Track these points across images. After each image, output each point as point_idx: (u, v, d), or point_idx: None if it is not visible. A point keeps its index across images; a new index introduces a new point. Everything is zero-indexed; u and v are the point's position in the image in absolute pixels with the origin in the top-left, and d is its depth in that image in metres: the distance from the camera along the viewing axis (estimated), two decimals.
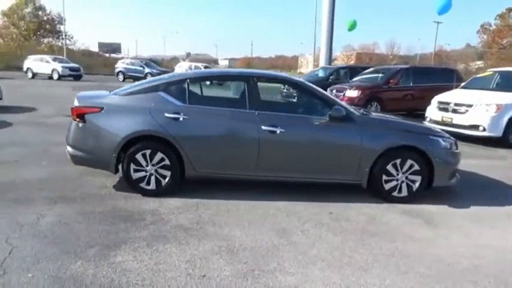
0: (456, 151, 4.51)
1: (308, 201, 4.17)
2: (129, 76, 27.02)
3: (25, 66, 25.11)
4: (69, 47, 60.82)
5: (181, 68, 29.96)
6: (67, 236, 3.13)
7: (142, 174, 4.08)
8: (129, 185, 4.14)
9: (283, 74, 5.05)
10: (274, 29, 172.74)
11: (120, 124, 4.03)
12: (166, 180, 4.11)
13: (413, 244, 3.29)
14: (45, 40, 58.13)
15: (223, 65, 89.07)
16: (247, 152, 4.12)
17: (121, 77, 27.29)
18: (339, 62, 61.96)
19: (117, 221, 3.48)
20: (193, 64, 31.33)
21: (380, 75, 12.64)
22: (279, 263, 2.88)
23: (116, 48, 65.86)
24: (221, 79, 4.57)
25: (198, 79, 4.44)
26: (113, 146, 4.01)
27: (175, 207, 3.87)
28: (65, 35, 58.92)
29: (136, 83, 4.60)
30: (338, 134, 4.18)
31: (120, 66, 27.91)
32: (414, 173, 4.25)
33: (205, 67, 30.14)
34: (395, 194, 4.29)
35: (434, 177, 4.27)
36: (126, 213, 3.67)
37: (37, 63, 24.72)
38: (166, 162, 4.07)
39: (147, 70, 26.41)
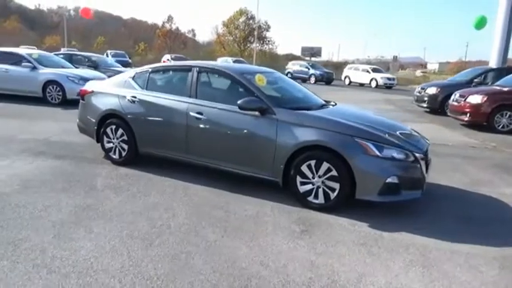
0: (406, 164, 3.66)
1: (233, 192, 4.20)
2: (296, 77, 28.76)
3: None
4: (273, 51, 68.40)
5: (350, 70, 29.82)
6: (16, 177, 4.34)
7: (111, 145, 5.03)
8: (104, 153, 5.16)
9: (230, 64, 5.09)
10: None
11: (99, 103, 5.09)
12: (125, 152, 4.93)
13: (219, 240, 3.09)
14: (252, 46, 66.81)
15: (431, 69, 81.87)
16: (178, 136, 4.50)
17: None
18: None
19: (65, 175, 4.51)
20: (362, 67, 30.46)
21: None
22: (99, 225, 3.29)
23: (316, 51, 69.70)
24: (174, 70, 5.00)
25: (158, 69, 5.04)
26: (94, 120, 5.10)
27: (118, 174, 4.64)
28: (268, 41, 66.62)
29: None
30: (254, 125, 4.05)
31: (290, 67, 29.97)
32: (332, 178, 3.71)
33: (374, 70, 29.01)
34: (310, 199, 3.85)
35: (356, 187, 3.64)
36: (82, 173, 4.66)
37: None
38: (125, 137, 4.89)
39: (311, 71, 27.55)
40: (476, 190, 4.77)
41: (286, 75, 29.47)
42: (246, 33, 64.52)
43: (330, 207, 3.78)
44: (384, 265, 2.86)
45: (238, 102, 4.01)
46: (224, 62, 28.93)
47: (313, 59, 59.46)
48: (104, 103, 5.03)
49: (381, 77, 27.36)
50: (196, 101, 4.41)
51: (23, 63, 9.89)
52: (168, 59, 29.34)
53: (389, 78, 27.67)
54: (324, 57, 68.81)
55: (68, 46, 44.86)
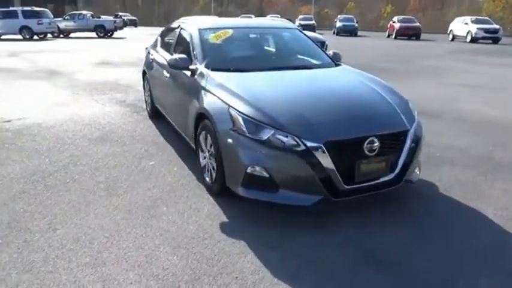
0: (291, 154, 2.53)
1: (184, 157, 4.01)
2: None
3: (449, 28, 25.56)
4: None
5: None
6: (68, 115, 5.54)
7: (144, 98, 5.60)
8: None
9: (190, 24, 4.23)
10: None
11: (145, 61, 5.61)
12: (150, 106, 5.38)
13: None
14: None
15: None
16: (163, 93, 4.55)
17: None
18: None
19: (101, 119, 5.39)
20: None
21: None
22: (26, 160, 3.93)
23: None
24: (172, 29, 4.71)
25: (168, 28, 4.98)
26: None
27: (134, 126, 5.13)
28: None
29: None
30: (186, 86, 3.60)
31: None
32: (213, 155, 2.97)
33: None
34: (205, 175, 3.22)
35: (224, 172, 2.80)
36: (115, 120, 5.43)
37: (458, 26, 24.40)
38: (148, 92, 5.33)
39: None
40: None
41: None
42: None
43: (215, 191, 3.06)
44: (119, 256, 2.23)
45: (167, 59, 3.68)
46: (465, 22, 24.33)
47: None
48: (144, 61, 5.56)
49: None
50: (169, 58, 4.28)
51: None
52: (394, 21, 27.08)
53: None
54: None
55: (317, 11, 48.16)
